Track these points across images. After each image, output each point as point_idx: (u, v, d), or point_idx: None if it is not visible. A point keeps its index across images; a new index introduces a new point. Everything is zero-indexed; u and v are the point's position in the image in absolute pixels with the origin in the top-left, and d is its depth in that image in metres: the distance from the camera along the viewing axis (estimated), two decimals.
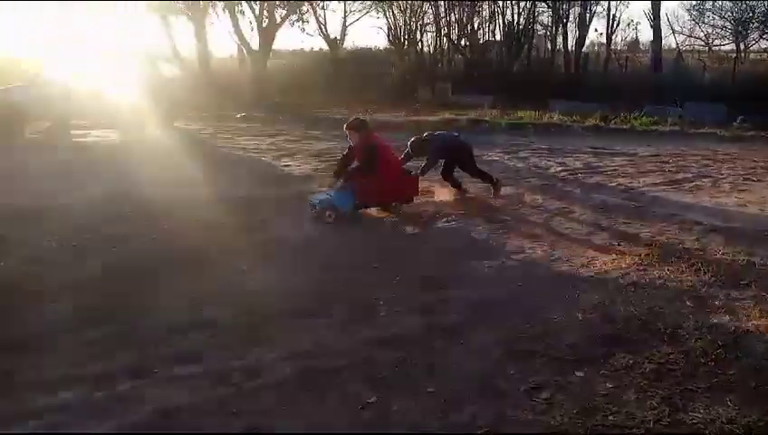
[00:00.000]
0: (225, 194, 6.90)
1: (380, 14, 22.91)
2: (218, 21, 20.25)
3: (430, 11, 22.33)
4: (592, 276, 4.48)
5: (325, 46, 23.68)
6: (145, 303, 3.94)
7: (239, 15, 18.68)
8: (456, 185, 6.88)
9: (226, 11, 18.72)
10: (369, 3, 23.16)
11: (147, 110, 11.76)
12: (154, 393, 2.89)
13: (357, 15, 25.22)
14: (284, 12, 19.05)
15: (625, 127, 13.34)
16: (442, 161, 6.76)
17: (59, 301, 3.96)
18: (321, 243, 5.23)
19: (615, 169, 8.73)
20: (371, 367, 3.18)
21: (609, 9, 20.33)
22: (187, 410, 2.75)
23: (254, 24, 18.51)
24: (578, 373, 3.12)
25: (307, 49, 25.19)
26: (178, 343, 3.41)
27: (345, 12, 24.01)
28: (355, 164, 5.97)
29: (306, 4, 20.66)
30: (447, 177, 6.86)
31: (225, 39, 50.67)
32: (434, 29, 22.64)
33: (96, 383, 2.98)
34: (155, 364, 3.16)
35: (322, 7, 22.59)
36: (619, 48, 21.75)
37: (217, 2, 18.96)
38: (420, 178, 6.36)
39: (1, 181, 7.53)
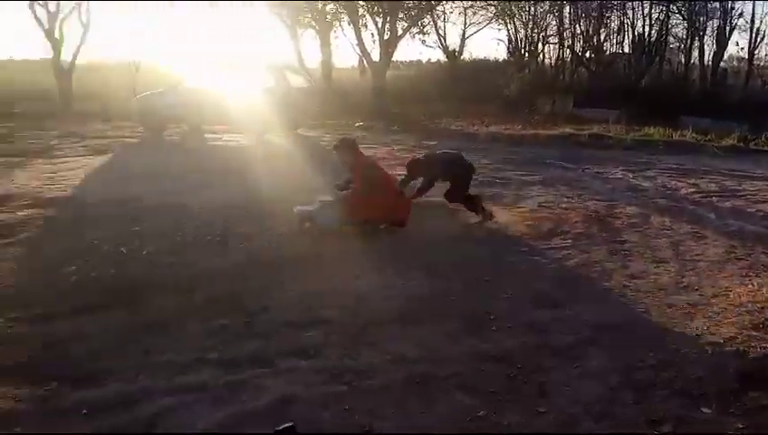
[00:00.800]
0: None
1: (501, 26, 22.69)
2: (342, 34, 21.02)
3: (554, 22, 21.79)
4: (725, 308, 4.14)
5: (442, 57, 23.82)
6: (267, 297, 4.19)
7: (362, 28, 19.29)
8: (474, 208, 6.17)
9: (351, 25, 19.40)
10: (490, 15, 23.04)
11: (273, 116, 12.46)
12: (274, 383, 3.07)
13: (477, 27, 25.16)
14: (406, 24, 19.41)
15: (767, 149, 12.20)
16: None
17: (192, 291, 4.30)
18: (434, 253, 5.26)
19: (755, 194, 8.00)
20: (481, 380, 3.16)
21: (752, 22, 18.75)
22: (304, 402, 2.89)
23: (377, 37, 19.03)
24: (704, 410, 2.91)
25: (424, 60, 25.46)
26: (296, 338, 3.59)
27: (465, 24, 24.06)
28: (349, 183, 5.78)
29: (428, 17, 20.93)
30: (463, 201, 6.19)
31: (346, 50, 52.33)
32: (557, 41, 22.05)
33: (223, 368, 3.21)
34: (275, 356, 3.35)
35: (443, 20, 22.80)
36: (761, 64, 19.97)
37: (343, 17, 19.69)
38: (414, 199, 5.95)
39: (146, 180, 8.30)
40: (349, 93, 20.03)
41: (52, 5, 18.38)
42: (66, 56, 19.03)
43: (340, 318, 3.87)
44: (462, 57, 24.35)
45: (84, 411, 2.82)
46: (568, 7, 21.29)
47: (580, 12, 20.85)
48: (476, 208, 6.18)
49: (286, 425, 1.83)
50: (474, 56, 25.92)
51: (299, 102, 13.35)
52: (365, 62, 20.22)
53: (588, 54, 21.37)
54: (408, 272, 4.75)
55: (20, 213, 6.46)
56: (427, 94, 19.97)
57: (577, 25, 21.24)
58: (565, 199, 7.31)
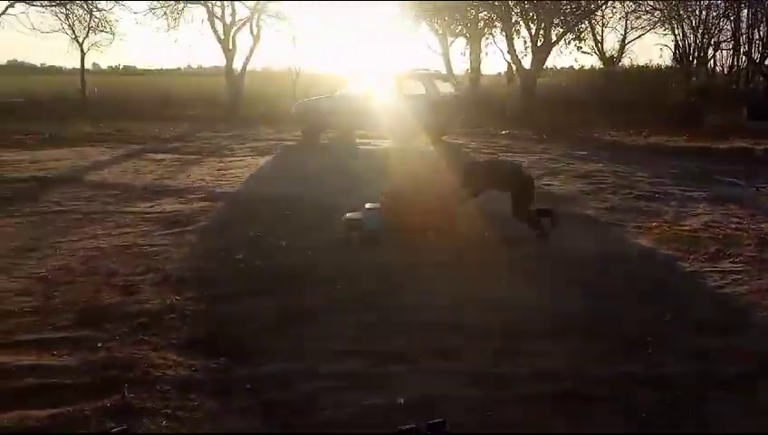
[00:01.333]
0: (486, 208, 7.10)
1: (667, 31, 21.13)
2: (493, 42, 20.85)
3: (728, 27, 19.85)
4: None
5: (597, 63, 22.69)
6: (414, 296, 4.30)
7: (515, 35, 18.99)
8: (535, 226, 5.68)
9: (503, 32, 19.18)
10: (654, 19, 21.55)
11: (420, 123, 12.71)
12: (417, 380, 3.15)
13: (638, 32, 23.65)
14: (561, 31, 18.80)
15: None
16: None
17: (342, 285, 4.54)
18: (583, 265, 5.06)
19: None
20: (633, 404, 2.99)
21: None
22: (446, 403, 2.93)
23: (529, 44, 18.64)
24: None
25: (576, 67, 24.42)
26: (438, 340, 3.64)
27: (626, 29, 22.74)
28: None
29: (585, 22, 20.09)
30: (521, 215, 5.69)
31: (493, 57, 51.69)
32: (730, 46, 20.06)
33: (370, 361, 3.36)
34: (418, 354, 3.43)
35: (602, 25, 21.74)
36: None
37: (496, 23, 19.54)
38: (456, 207, 5.72)
39: (303, 179, 8.89)
40: (496, 101, 19.82)
41: (228, 18, 20.31)
42: (237, 64, 20.91)
43: (484, 325, 3.86)
44: (620, 63, 23.05)
45: (248, 386, 3.10)
46: (746, 11, 19.31)
47: (759, 15, 18.79)
48: (535, 225, 5.68)
49: (438, 420, 1.87)
50: (633, 63, 24.39)
51: (446, 110, 13.49)
52: (514, 69, 19.89)
53: (767, 62, 19.19)
54: (555, 286, 4.61)
55: (195, 205, 7.24)
56: (580, 102, 19.14)
57: (755, 30, 19.17)
58: (735, 219, 6.64)
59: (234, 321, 3.92)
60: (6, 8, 16.52)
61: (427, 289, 4.49)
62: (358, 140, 13.46)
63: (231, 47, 20.53)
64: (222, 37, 20.35)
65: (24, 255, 5.25)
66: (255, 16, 20.65)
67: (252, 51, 21.13)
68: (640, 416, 2.88)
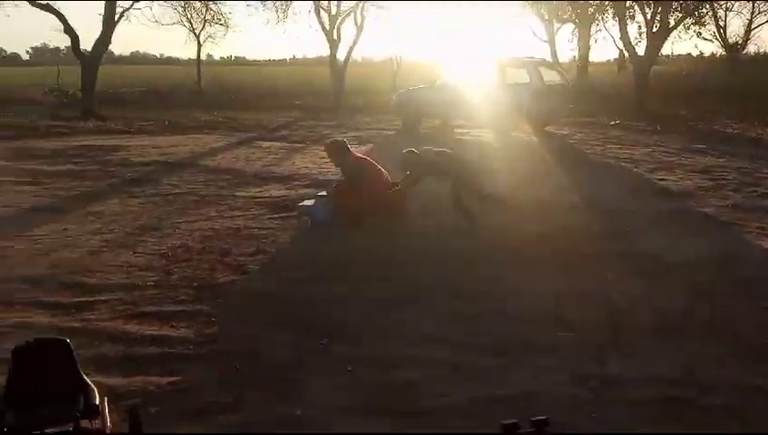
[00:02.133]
0: (592, 201, 6.83)
1: None
2: (604, 28, 19.87)
3: None
4: None
5: (717, 51, 20.99)
6: (513, 290, 4.23)
7: (628, 21, 17.98)
8: (467, 215, 5.61)
9: (616, 18, 18.22)
10: None
11: (523, 113, 12.39)
12: (519, 375, 3.10)
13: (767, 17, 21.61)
14: (679, 15, 17.56)
15: None
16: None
17: (441, 272, 4.55)
18: (699, 265, 4.74)
19: None
20: (752, 415, 2.78)
21: None
22: (549, 401, 2.87)
23: (644, 30, 17.57)
24: None
25: (695, 54, 22.71)
26: (540, 335, 3.56)
27: (752, 13, 20.85)
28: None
29: (707, 5, 18.65)
30: (456, 203, 5.65)
31: (603, 43, 49.26)
32: None
33: (471, 351, 3.35)
34: (520, 348, 3.37)
35: (726, 9, 20.09)
36: None
37: (608, 9, 18.59)
38: (399, 192, 5.78)
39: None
40: (605, 90, 18.90)
41: (333, 9, 20.78)
42: (340, 55, 21.37)
43: (587, 322, 3.73)
44: (744, 51, 21.20)
45: (349, 368, 3.20)
46: None
47: None
48: (466, 211, 5.62)
49: (541, 417, 1.84)
50: (760, 50, 22.34)
51: (550, 99, 13.05)
52: (626, 56, 18.84)
53: None
54: (666, 285, 4.36)
55: (300, 191, 7.51)
56: (698, 92, 17.84)
57: None
58: None
59: (339, 302, 4.05)
60: (133, 3, 17.87)
61: (529, 282, 4.39)
62: (456, 130, 13.35)
63: (335, 38, 21.00)
64: (327, 28, 20.86)
65: (147, 233, 5.70)
66: (360, 6, 21.00)
67: (355, 41, 21.55)
68: (758, 431, 2.67)
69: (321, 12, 20.76)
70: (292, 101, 20.60)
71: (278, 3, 21.44)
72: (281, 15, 21.65)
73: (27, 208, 6.70)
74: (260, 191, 7.50)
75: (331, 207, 5.77)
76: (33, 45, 57.40)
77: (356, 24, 21.24)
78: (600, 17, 19.73)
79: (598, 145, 11.58)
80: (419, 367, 3.19)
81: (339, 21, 21.07)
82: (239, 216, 6.30)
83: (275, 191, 7.49)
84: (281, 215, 6.34)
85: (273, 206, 6.75)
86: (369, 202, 5.60)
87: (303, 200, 6.26)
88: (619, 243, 5.29)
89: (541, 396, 2.91)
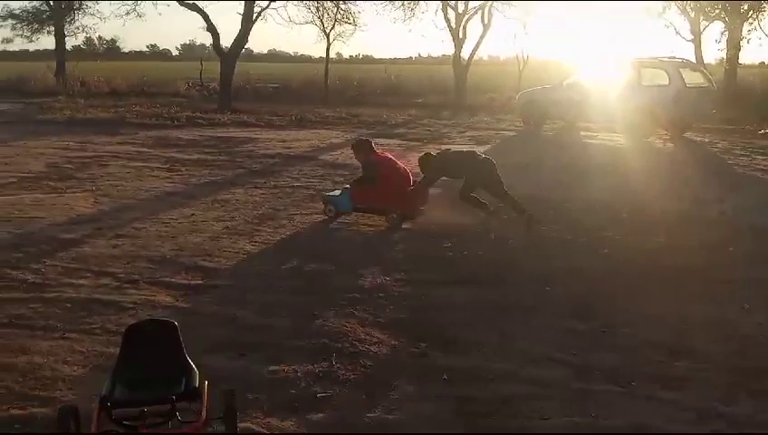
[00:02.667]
0: (734, 218, 6.16)
1: None
2: (758, 27, 17.90)
3: None
4: None
5: None
6: (639, 312, 3.87)
7: None
8: (476, 204, 5.87)
9: None
10: None
11: (658, 116, 11.50)
12: (628, 406, 2.82)
13: None
14: None
15: None
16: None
17: (550, 285, 4.29)
18: None
19: None
20: None
21: None
22: None
23: None
24: None
25: None
26: (659, 363, 3.23)
27: None
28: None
29: None
30: (464, 197, 5.89)
31: (754, 44, 44.74)
32: None
33: (575, 373, 3.11)
34: (632, 376, 3.08)
35: None
36: None
37: (765, 5, 16.76)
38: (413, 192, 5.99)
39: (519, 172, 8.62)
40: (755, 95, 17.07)
41: (461, 7, 20.59)
42: (464, 53, 21.13)
43: (717, 354, 3.33)
44: None
45: (444, 377, 3.09)
46: None
47: None
48: (520, 211, 5.78)
49: None
50: None
51: (692, 103, 11.99)
52: None
53: None
54: None
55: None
56: None
57: None
58: None
59: (438, 307, 3.95)
60: (269, 3, 18.85)
61: (645, 302, 4.02)
62: (583, 134, 12.67)
63: (461, 36, 20.80)
64: (453, 26, 20.71)
65: (264, 223, 5.94)
66: (488, 4, 20.62)
67: (481, 39, 21.22)
68: None
69: (449, 10, 20.66)
70: (414, 99, 20.68)
71: (406, 2, 21.61)
72: (408, 14, 21.80)
73: (162, 193, 7.26)
74: None
75: (350, 198, 6.09)
76: (183, 42, 62.55)
77: (483, 22, 20.92)
78: (755, 16, 17.81)
79: (743, 155, 10.46)
80: (521, 384, 3.01)
81: (465, 19, 20.86)
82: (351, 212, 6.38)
83: None
84: None
85: None
86: (383, 197, 5.92)
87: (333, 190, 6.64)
88: (761, 268, 4.70)
89: (652, 432, 2.62)
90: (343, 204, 6.11)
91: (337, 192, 6.39)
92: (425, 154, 6.29)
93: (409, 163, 6.84)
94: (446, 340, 3.49)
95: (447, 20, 20.72)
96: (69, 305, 3.89)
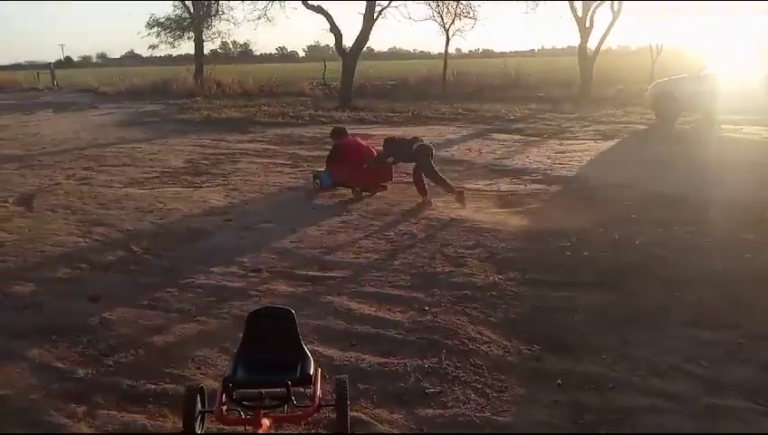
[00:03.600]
0: None
1: None
2: None
3: None
4: None
5: None
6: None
7: None
8: (422, 191, 6.65)
9: None
10: None
11: None
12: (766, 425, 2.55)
13: None
14: None
15: None
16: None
17: (682, 290, 3.97)
18: None
19: None
20: None
21: None
22: None
23: None
24: None
25: None
26: None
27: None
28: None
29: None
30: (416, 180, 6.71)
31: None
32: None
33: (705, 388, 2.85)
34: None
35: None
36: None
37: None
38: (366, 169, 6.93)
39: (650, 168, 8.07)
40: None
41: None
42: (591, 43, 20.09)
43: None
44: None
45: (558, 382, 2.96)
46: None
47: None
48: (423, 191, 6.62)
49: None
50: None
51: None
52: None
53: None
54: None
55: (529, 186, 7.26)
56: None
57: None
58: None
59: (554, 309, 3.80)
60: (390, 2, 19.12)
61: None
62: (724, 127, 11.58)
63: (588, 25, 19.79)
64: (580, 15, 19.77)
65: (378, 218, 6.04)
66: None
67: (609, 28, 20.04)
68: None
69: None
70: (534, 92, 20.03)
71: None
72: (531, 4, 21.13)
73: (285, 188, 7.63)
74: (488, 184, 7.44)
75: (329, 175, 7.29)
76: (309, 44, 65.34)
77: (612, 9, 19.76)
78: None
79: None
80: (643, 395, 2.82)
81: (593, 7, 19.82)
82: (464, 207, 6.32)
83: (504, 185, 7.35)
84: (505, 210, 6.19)
85: (498, 200, 6.64)
86: (348, 173, 7.05)
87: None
88: None
89: None
90: (325, 179, 7.29)
91: (323, 169, 7.49)
92: (386, 138, 7.19)
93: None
94: (563, 344, 3.34)
95: (573, 9, 19.80)
96: (200, 291, 4.21)
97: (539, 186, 7.27)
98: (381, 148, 7.02)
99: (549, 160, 8.88)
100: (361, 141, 7.43)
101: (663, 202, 6.13)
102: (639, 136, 11.42)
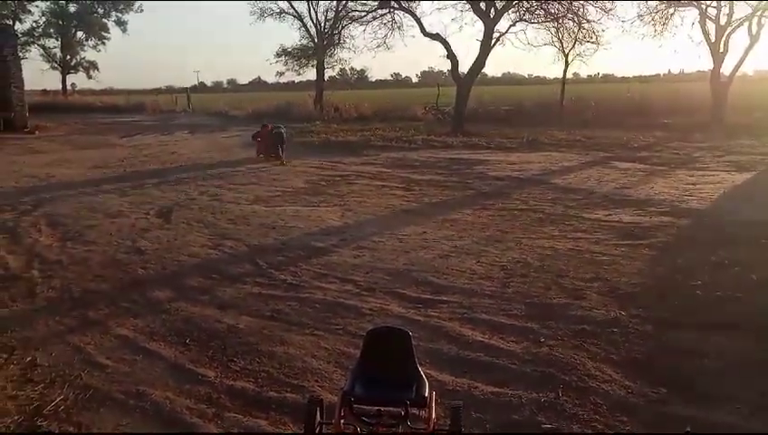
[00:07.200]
0: None
1: None
2: None
3: None
4: None
5: None
6: None
7: None
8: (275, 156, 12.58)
9: None
10: None
11: None
12: None
13: None
14: None
15: None
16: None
17: None
18: None
19: None
20: None
21: None
22: None
23: None
24: None
25: None
26: None
27: None
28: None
29: None
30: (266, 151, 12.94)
31: None
32: None
33: None
34: None
35: None
36: None
37: None
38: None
39: None
40: None
41: (723, 18, 18.38)
42: (726, 69, 18.77)
43: None
44: None
45: (688, 429, 2.75)
46: None
47: None
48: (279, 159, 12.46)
49: None
50: None
51: None
52: None
53: None
54: None
55: (655, 218, 6.86)
56: None
57: None
58: None
59: (682, 351, 3.55)
60: (509, 28, 19.03)
61: None
62: None
63: (722, 50, 18.51)
64: (713, 39, 18.55)
65: (492, 244, 5.98)
66: (757, 14, 18.04)
67: (747, 52, 18.61)
68: None
69: (708, 22, 18.56)
70: (660, 119, 18.95)
71: (658, 15, 19.94)
72: (659, 28, 20.10)
73: (398, 211, 7.77)
74: (608, 214, 7.11)
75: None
76: (423, 70, 66.41)
77: (749, 33, 18.35)
78: None
79: None
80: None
81: (728, 31, 18.52)
82: (582, 238, 6.09)
83: (626, 216, 7.00)
84: (628, 242, 5.89)
85: (620, 232, 6.32)
86: (259, 147, 13.07)
87: None
88: None
89: None
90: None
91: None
92: (264, 127, 13.20)
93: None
94: (692, 389, 3.12)
95: (706, 33, 18.62)
96: (318, 306, 4.39)
97: (666, 218, 6.84)
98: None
99: (677, 192, 8.35)
100: (268, 127, 13.41)
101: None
102: None
